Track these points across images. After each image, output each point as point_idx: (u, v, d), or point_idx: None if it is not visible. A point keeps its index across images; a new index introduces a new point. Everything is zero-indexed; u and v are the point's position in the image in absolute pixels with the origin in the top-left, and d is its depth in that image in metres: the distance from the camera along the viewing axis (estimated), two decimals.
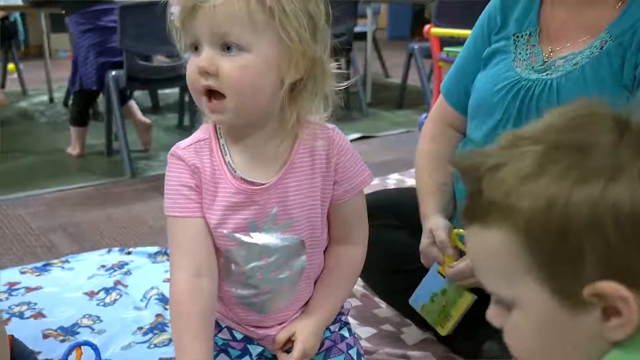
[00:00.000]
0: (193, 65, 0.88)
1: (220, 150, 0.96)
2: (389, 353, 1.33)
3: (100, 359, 1.28)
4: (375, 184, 2.45)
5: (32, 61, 5.66)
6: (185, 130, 3.50)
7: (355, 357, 1.06)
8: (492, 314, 0.62)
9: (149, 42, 2.64)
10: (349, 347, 1.07)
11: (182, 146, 0.96)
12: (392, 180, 2.55)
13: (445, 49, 3.10)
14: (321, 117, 0.98)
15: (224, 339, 1.04)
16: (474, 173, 0.58)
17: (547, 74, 1.19)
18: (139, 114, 3.08)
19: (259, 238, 0.95)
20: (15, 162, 2.91)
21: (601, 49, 1.13)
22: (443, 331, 1.28)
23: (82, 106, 2.95)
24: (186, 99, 3.54)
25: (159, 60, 2.95)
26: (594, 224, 0.51)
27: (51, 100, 4.35)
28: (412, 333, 1.41)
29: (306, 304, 1.04)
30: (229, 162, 0.95)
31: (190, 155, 0.95)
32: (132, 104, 3.06)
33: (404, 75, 4.05)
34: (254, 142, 0.95)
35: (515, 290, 0.57)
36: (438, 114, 1.46)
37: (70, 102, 3.18)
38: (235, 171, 0.94)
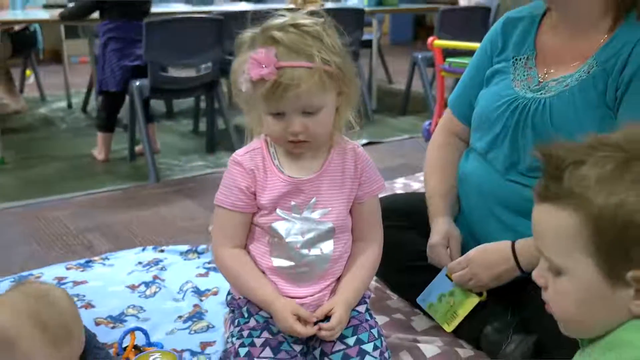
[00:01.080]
0: (280, 127, 1.14)
1: (270, 156, 1.21)
2: (401, 338, 1.51)
3: (150, 342, 1.46)
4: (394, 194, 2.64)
5: (46, 66, 5.81)
6: (200, 135, 3.69)
7: (376, 335, 1.25)
8: (538, 275, 0.79)
9: (171, 55, 2.83)
10: (371, 327, 1.27)
11: (241, 154, 1.23)
12: (399, 185, 2.73)
13: (448, 59, 3.29)
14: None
15: (265, 317, 1.24)
16: (558, 162, 0.73)
17: (541, 94, 1.36)
18: (154, 138, 3.28)
19: (299, 218, 1.20)
20: (44, 168, 3.09)
21: (588, 73, 1.31)
22: (449, 328, 1.47)
23: (109, 112, 3.13)
24: (201, 105, 3.73)
25: (173, 72, 3.13)
26: None
27: (69, 106, 4.53)
28: (420, 321, 1.59)
29: (336, 284, 1.26)
30: (277, 165, 1.21)
31: (247, 161, 1.21)
32: (154, 126, 3.27)
33: (407, 82, 4.24)
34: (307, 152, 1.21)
35: (570, 261, 0.73)
36: (445, 124, 1.65)
37: (97, 107, 3.36)
38: (283, 171, 1.20)
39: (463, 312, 1.43)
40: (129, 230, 2.27)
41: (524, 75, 1.43)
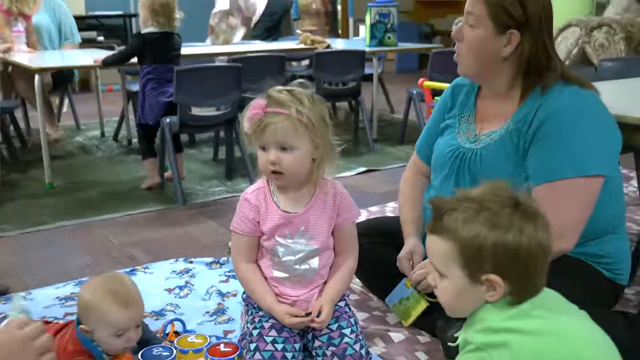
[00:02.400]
0: (264, 158, 1.59)
1: (270, 194, 1.68)
2: (377, 328, 1.98)
3: (186, 329, 1.94)
4: (376, 211, 3.11)
5: (77, 94, 6.31)
6: (219, 163, 4.18)
7: (353, 323, 1.72)
8: (431, 278, 1.25)
9: (197, 97, 3.35)
10: (350, 317, 1.74)
11: (249, 192, 1.70)
12: (390, 208, 3.20)
13: (436, 97, 3.76)
14: (328, 173, 1.71)
15: None
16: (440, 209, 1.20)
17: (475, 145, 1.83)
18: (182, 166, 3.76)
19: (292, 243, 1.67)
20: (86, 192, 3.59)
21: (507, 130, 1.76)
22: (405, 324, 1.95)
23: (147, 141, 3.61)
24: (220, 135, 4.23)
25: (198, 111, 3.64)
26: (494, 251, 1.13)
27: (102, 134, 5.05)
28: (393, 317, 2.05)
29: (323, 286, 1.73)
30: (275, 201, 1.68)
31: (253, 198, 1.69)
32: (182, 156, 3.76)
33: (404, 114, 4.71)
34: (292, 190, 1.68)
35: (448, 269, 1.20)
36: (413, 164, 2.13)
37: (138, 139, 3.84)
38: (279, 207, 1.67)
39: (415, 313, 1.90)
40: (163, 245, 2.76)
41: (465, 130, 1.90)
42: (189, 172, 3.89)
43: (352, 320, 1.74)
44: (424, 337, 1.93)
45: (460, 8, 6.59)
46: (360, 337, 1.72)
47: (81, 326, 1.58)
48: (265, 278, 1.72)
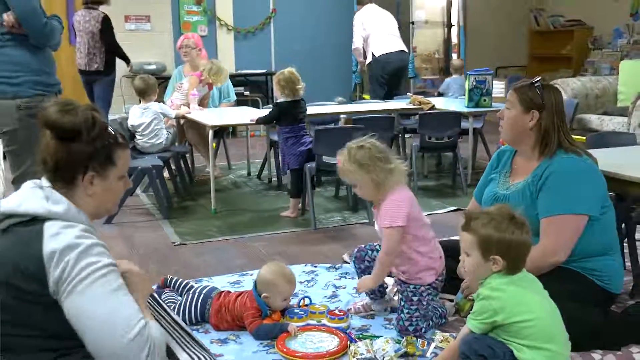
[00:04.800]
0: None
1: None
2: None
3: (312, 302, 3.00)
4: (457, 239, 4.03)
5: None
6: (340, 199, 5.28)
7: (413, 309, 2.70)
8: (461, 258, 2.25)
9: (332, 149, 4.45)
10: (411, 304, 2.71)
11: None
12: None
13: None
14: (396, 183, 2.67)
15: None
16: (469, 217, 2.21)
17: (506, 191, 2.77)
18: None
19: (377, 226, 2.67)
20: (240, 216, 4.79)
21: (527, 182, 2.68)
22: (462, 313, 2.87)
23: (296, 183, 4.70)
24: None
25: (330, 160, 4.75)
26: (498, 243, 2.13)
27: (249, 173, 6.33)
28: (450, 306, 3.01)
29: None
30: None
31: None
32: (314, 193, 4.86)
33: None
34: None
35: (471, 251, 2.19)
36: (471, 204, 3.09)
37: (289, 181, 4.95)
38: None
39: (467, 307, 2.81)
40: (297, 256, 3.86)
41: (503, 181, 2.85)
42: (315, 206, 4.99)
43: (412, 307, 2.69)
44: None
45: (571, 64, 7.85)
46: (414, 318, 2.67)
47: (259, 290, 2.69)
48: None
